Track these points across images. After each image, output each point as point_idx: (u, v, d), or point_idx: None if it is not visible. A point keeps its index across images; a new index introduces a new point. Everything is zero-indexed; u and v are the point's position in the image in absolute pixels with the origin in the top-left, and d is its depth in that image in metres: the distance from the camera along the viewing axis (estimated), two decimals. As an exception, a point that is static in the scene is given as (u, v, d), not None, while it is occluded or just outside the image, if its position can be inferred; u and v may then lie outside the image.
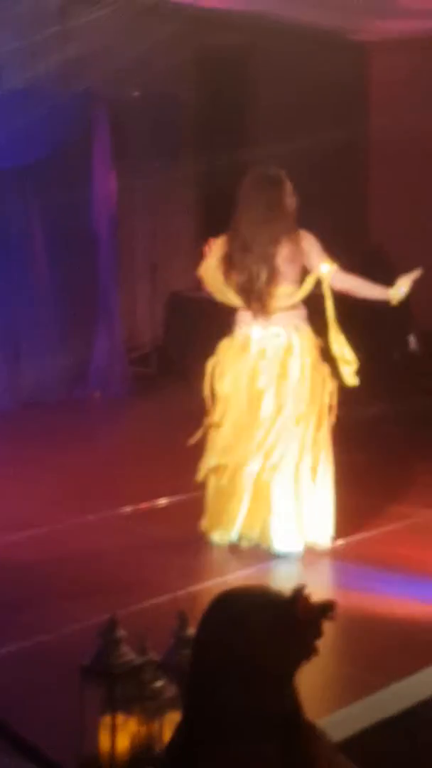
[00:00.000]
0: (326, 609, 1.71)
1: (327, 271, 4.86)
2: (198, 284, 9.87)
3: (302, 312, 4.91)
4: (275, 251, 4.74)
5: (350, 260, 10.81)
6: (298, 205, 5.02)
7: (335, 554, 4.81)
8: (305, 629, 1.69)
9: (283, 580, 4.40)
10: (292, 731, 1.69)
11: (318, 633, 1.70)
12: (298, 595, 1.70)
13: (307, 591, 1.71)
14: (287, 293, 4.81)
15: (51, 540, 5.03)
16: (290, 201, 4.87)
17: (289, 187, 4.90)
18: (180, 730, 1.78)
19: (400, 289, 4.99)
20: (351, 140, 10.48)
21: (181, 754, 1.73)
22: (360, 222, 10.74)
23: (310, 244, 4.88)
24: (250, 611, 1.70)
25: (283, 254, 4.77)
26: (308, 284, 4.81)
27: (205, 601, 1.80)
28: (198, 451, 5.85)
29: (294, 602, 1.69)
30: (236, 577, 4.42)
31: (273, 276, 4.73)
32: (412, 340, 10.21)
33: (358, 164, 10.68)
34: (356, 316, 9.99)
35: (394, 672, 3.54)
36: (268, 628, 1.68)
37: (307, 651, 1.70)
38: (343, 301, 10.25)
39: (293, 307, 4.85)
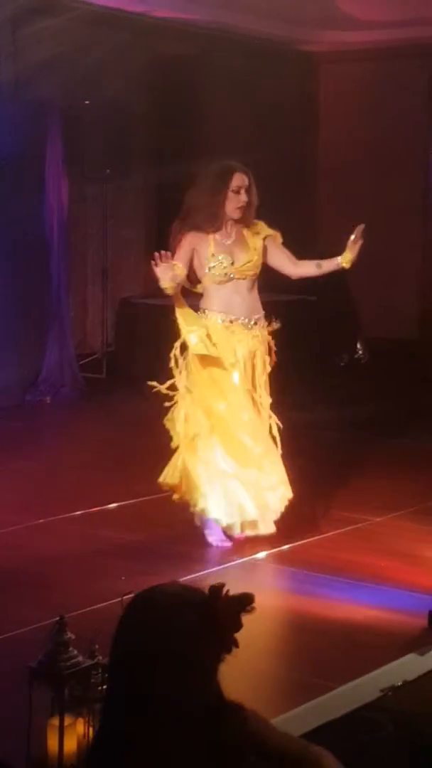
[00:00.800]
0: (244, 602, 1.73)
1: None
2: (148, 290, 9.94)
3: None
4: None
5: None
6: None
7: (280, 559, 4.89)
8: (225, 623, 1.71)
9: (230, 583, 4.48)
10: (217, 719, 1.73)
11: (238, 626, 1.73)
12: (218, 590, 1.73)
13: (225, 587, 1.74)
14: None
15: (3, 542, 5.07)
16: (225, 196, 5.00)
17: (234, 180, 5.04)
18: (103, 729, 1.79)
19: (347, 254, 5.34)
20: (301, 149, 10.61)
21: (107, 751, 1.74)
22: (309, 228, 10.86)
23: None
24: (175, 610, 1.72)
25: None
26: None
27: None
28: (148, 457, 5.94)
29: (214, 597, 1.72)
30: (186, 580, 4.48)
31: None
32: (360, 347, 10.35)
33: (307, 173, 10.81)
34: (305, 322, 10.16)
35: (337, 676, 3.61)
36: (190, 624, 1.70)
37: (228, 644, 1.73)
38: (296, 306, 10.38)
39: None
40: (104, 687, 2.85)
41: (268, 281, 10.90)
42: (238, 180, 5.00)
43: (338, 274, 11.26)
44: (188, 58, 9.57)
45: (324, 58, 10.55)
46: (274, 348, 5.27)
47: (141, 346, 9.09)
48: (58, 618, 2.91)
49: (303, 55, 10.44)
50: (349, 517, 5.47)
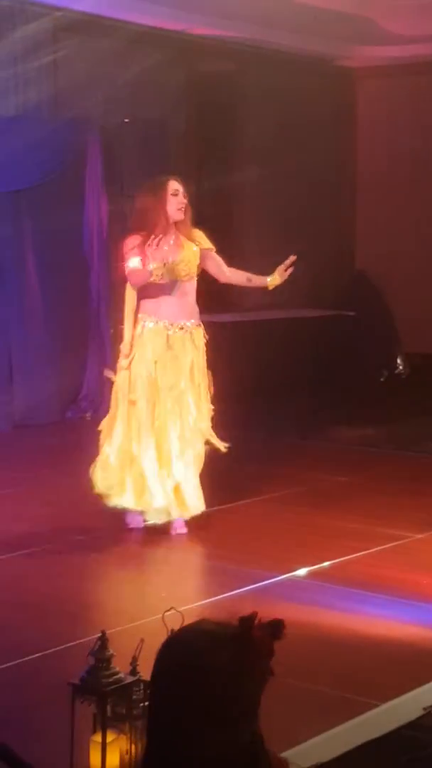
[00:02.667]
0: (276, 629, 1.69)
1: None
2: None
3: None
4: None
5: (337, 281, 11.00)
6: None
7: (321, 575, 4.87)
8: (260, 654, 1.67)
9: (270, 600, 4.47)
10: (257, 760, 1.68)
11: (271, 653, 1.68)
12: (251, 621, 1.68)
13: (258, 616, 1.69)
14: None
15: (43, 559, 5.09)
16: (165, 202, 5.32)
17: (170, 186, 5.34)
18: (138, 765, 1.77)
19: (275, 277, 5.69)
20: (339, 164, 10.61)
21: None
22: (347, 245, 10.85)
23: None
24: (210, 650, 1.67)
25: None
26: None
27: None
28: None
29: (248, 630, 1.67)
30: (226, 597, 4.48)
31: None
32: (400, 362, 10.31)
33: (345, 188, 10.80)
34: (344, 337, 10.14)
35: (379, 693, 3.58)
36: (233, 662, 1.65)
37: (265, 674, 1.68)
38: (334, 321, 10.34)
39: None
40: (146, 703, 2.85)
41: (305, 297, 10.94)
42: (174, 185, 5.36)
43: (378, 289, 11.22)
44: (227, 75, 9.62)
45: (362, 73, 10.55)
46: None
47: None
48: (99, 634, 2.92)
49: (341, 70, 10.46)
50: (391, 534, 5.43)
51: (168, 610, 2.74)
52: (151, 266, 5.23)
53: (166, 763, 1.67)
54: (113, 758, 2.85)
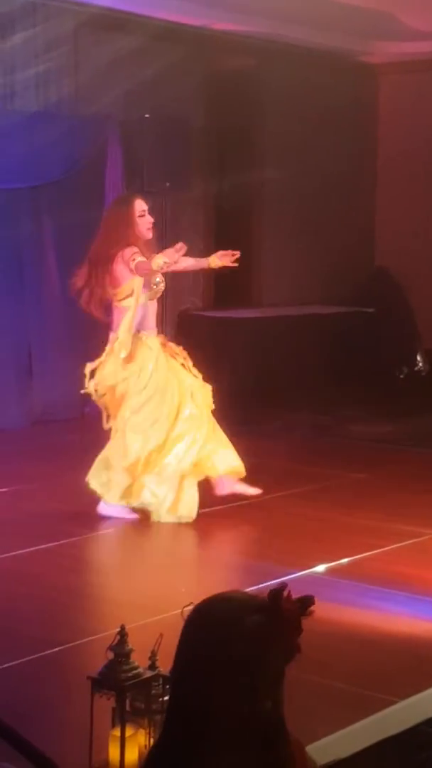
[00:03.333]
0: (306, 605, 1.69)
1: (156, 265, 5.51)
2: (207, 303, 9.99)
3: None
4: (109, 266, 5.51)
5: (356, 277, 10.97)
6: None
7: (340, 572, 4.87)
8: (288, 627, 1.67)
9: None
10: (276, 734, 1.68)
11: (299, 630, 1.69)
12: (280, 593, 1.68)
13: (287, 589, 1.70)
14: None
15: (62, 554, 5.12)
16: (134, 219, 5.54)
17: (137, 206, 5.55)
18: (163, 740, 1.74)
19: (217, 261, 5.84)
20: (359, 160, 10.58)
21: (165, 762, 1.70)
22: (366, 240, 10.83)
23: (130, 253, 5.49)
24: (239, 616, 1.68)
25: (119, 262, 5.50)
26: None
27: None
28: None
29: (277, 601, 1.68)
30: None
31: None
32: (420, 359, 10.28)
33: (366, 184, 10.77)
34: (363, 334, 10.12)
35: (397, 690, 3.58)
36: (257, 630, 1.66)
37: (292, 650, 1.69)
38: (353, 318, 10.33)
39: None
40: (165, 698, 2.87)
41: (324, 293, 10.93)
42: (141, 205, 5.57)
43: (397, 285, 11.13)
44: (247, 71, 9.61)
45: (383, 69, 10.52)
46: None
47: (199, 358, 9.12)
48: (118, 629, 2.93)
49: (362, 66, 10.42)
50: (409, 531, 5.43)
51: (187, 605, 2.75)
52: (157, 280, 5.58)
53: (186, 729, 1.67)
54: (132, 753, 2.87)
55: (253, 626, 1.67)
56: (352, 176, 10.51)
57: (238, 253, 5.77)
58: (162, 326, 9.29)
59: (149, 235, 5.57)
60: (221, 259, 5.79)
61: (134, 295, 5.52)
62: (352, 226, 10.55)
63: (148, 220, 5.55)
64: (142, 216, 5.53)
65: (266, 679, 1.67)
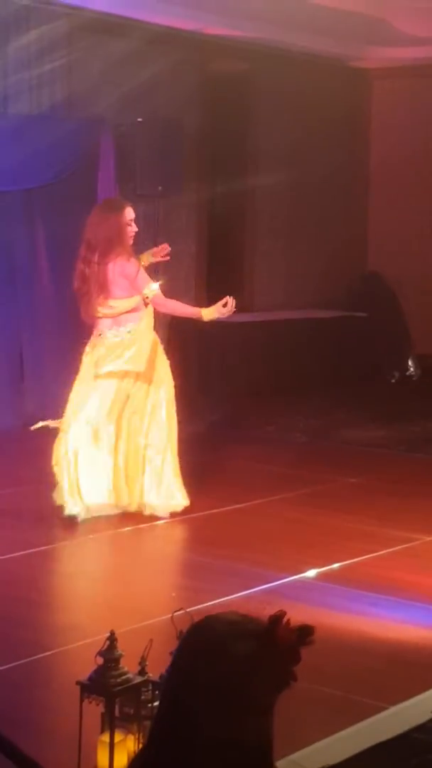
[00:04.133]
0: (305, 634, 1.65)
1: (149, 292, 5.65)
2: (199, 307, 9.95)
3: (138, 315, 5.70)
4: (105, 269, 5.56)
5: (350, 281, 10.98)
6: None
7: (331, 577, 4.86)
8: (285, 656, 1.63)
9: (280, 601, 4.46)
10: (262, 761, 1.65)
11: (297, 659, 1.64)
12: (278, 620, 1.65)
13: (286, 617, 1.66)
14: (112, 304, 5.64)
15: (52, 558, 5.10)
16: (126, 227, 5.60)
17: (127, 214, 5.61)
18: (147, 752, 1.71)
19: (213, 313, 5.75)
20: (351, 165, 10.60)
21: None
22: (359, 245, 10.84)
23: (135, 269, 5.60)
24: (232, 639, 1.64)
25: (113, 271, 5.57)
26: (130, 302, 5.64)
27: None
28: (206, 471, 5.94)
29: (274, 628, 1.64)
30: (235, 597, 4.48)
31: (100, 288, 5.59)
32: (411, 364, 10.29)
33: (358, 189, 10.79)
34: (355, 338, 10.13)
35: (388, 696, 3.58)
36: (250, 656, 1.62)
37: (287, 678, 1.64)
38: (345, 322, 10.34)
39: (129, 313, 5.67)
40: (155, 704, 2.85)
41: (316, 298, 10.94)
42: (131, 213, 5.65)
43: (389, 290, 11.17)
44: (240, 75, 9.62)
45: (376, 74, 10.54)
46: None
47: (191, 361, 9.11)
48: (108, 634, 2.92)
49: (355, 71, 10.44)
50: (401, 536, 5.42)
51: (177, 611, 2.74)
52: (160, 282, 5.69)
53: (169, 747, 1.65)
54: (121, 758, 2.85)
55: (243, 652, 1.63)
56: (345, 181, 10.53)
57: (232, 301, 5.74)
58: (156, 329, 9.31)
59: (131, 242, 5.66)
60: (220, 313, 5.78)
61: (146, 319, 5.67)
62: (344, 230, 10.57)
63: (133, 229, 5.64)
64: (129, 225, 5.61)
65: (254, 706, 1.64)
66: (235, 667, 1.62)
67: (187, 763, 1.62)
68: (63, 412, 5.88)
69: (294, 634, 1.64)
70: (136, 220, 5.75)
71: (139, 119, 8.30)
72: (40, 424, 5.81)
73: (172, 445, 5.66)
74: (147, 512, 5.61)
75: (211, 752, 1.62)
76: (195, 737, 1.62)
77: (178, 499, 5.62)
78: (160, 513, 5.58)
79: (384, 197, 10.67)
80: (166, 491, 5.61)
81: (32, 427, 5.80)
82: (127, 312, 5.64)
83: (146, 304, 5.67)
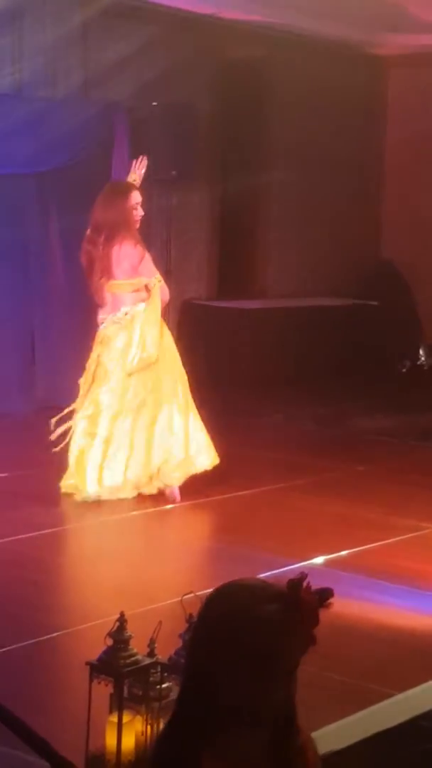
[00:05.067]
0: (325, 596, 1.70)
1: (156, 282, 5.83)
2: (211, 292, 9.96)
3: (137, 297, 5.80)
4: (110, 252, 5.65)
5: (362, 270, 10.94)
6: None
7: (339, 564, 4.87)
8: (306, 617, 1.67)
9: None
10: (287, 723, 1.69)
11: (317, 621, 1.69)
12: (300, 583, 1.68)
13: (306, 580, 1.70)
14: (117, 284, 5.75)
15: (63, 540, 5.12)
16: (131, 211, 5.69)
17: (133, 197, 5.68)
18: (173, 721, 1.74)
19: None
20: (367, 153, 10.56)
21: (175, 744, 1.70)
22: (373, 234, 10.81)
23: (139, 255, 5.76)
24: (256, 603, 1.67)
25: (118, 254, 5.67)
26: (132, 284, 5.77)
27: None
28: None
29: (296, 591, 1.68)
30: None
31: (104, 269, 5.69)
32: (422, 353, 10.27)
33: (373, 177, 10.76)
34: (366, 327, 10.10)
35: (395, 683, 3.59)
36: (276, 618, 1.66)
37: (308, 641, 1.68)
38: (356, 311, 10.31)
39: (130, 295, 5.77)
40: (163, 686, 2.87)
41: (329, 286, 10.90)
42: (137, 197, 5.72)
43: (402, 279, 11.12)
44: (256, 61, 9.58)
45: (393, 62, 10.48)
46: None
47: (201, 347, 9.11)
48: (118, 615, 2.93)
49: (372, 58, 10.39)
50: (409, 524, 5.43)
51: (187, 594, 2.76)
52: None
53: (198, 708, 1.67)
54: (129, 739, 2.87)
55: (271, 614, 1.66)
56: (360, 168, 10.49)
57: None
58: (166, 315, 9.31)
59: (137, 226, 5.74)
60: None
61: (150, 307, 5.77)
62: (358, 218, 10.54)
63: (140, 213, 5.70)
64: (135, 208, 5.67)
65: (280, 668, 1.67)
66: (263, 630, 1.65)
67: (217, 722, 1.65)
68: (75, 396, 5.91)
69: (315, 596, 1.68)
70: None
71: (154, 103, 8.28)
72: (59, 430, 5.83)
73: (194, 412, 5.78)
74: (162, 483, 5.63)
75: (242, 712, 1.64)
76: (223, 702, 1.65)
77: (205, 457, 5.71)
78: (174, 481, 5.62)
79: (399, 185, 10.63)
80: (196, 447, 5.70)
81: (54, 436, 5.80)
82: (129, 293, 5.73)
83: (148, 294, 5.73)
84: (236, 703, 1.66)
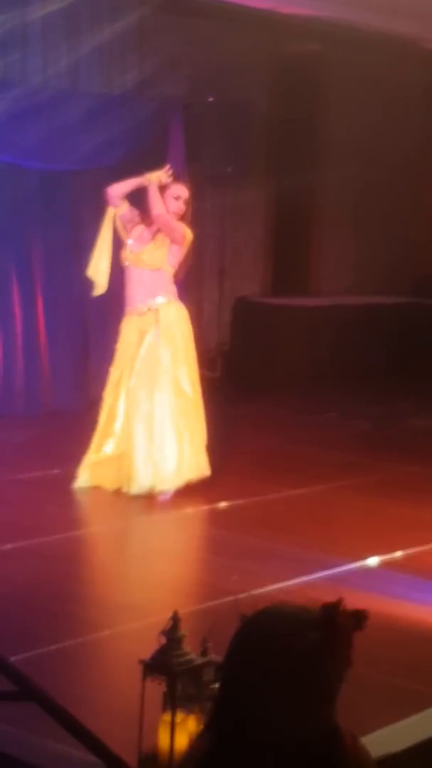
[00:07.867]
0: (360, 619, 1.65)
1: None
2: (265, 290, 9.91)
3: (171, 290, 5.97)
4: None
5: (417, 268, 10.77)
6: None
7: (393, 565, 4.82)
8: (342, 642, 1.63)
9: (341, 588, 4.42)
10: (334, 746, 1.64)
11: (350, 644, 1.64)
12: (334, 607, 1.64)
13: (342, 603, 1.65)
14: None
15: (115, 537, 5.12)
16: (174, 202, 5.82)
17: (174, 188, 5.83)
18: (204, 749, 1.69)
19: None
20: (426, 150, 10.45)
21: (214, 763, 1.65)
22: (429, 231, 10.69)
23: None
24: (293, 634, 1.63)
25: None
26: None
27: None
28: (263, 457, 5.90)
29: (334, 617, 1.63)
30: (296, 583, 4.46)
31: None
32: None
33: (428, 173, 10.63)
34: (422, 326, 9.98)
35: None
36: (315, 648, 1.62)
37: (345, 663, 1.64)
38: (412, 309, 10.17)
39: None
40: (216, 685, 2.85)
41: (384, 284, 10.78)
42: (178, 190, 5.85)
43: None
44: (312, 56, 9.52)
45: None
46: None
47: (256, 345, 9.09)
48: (171, 614, 2.91)
49: (429, 53, 10.26)
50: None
51: (242, 594, 2.73)
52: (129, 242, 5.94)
53: (233, 747, 1.63)
54: (182, 738, 2.85)
55: (307, 646, 1.62)
56: (418, 165, 10.38)
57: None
58: (219, 312, 9.30)
59: (174, 216, 5.78)
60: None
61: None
62: (417, 215, 10.43)
63: (179, 206, 5.78)
64: (177, 199, 5.78)
65: (321, 695, 1.63)
66: (303, 661, 1.61)
67: (257, 757, 1.61)
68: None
69: (351, 620, 1.64)
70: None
71: (210, 99, 8.26)
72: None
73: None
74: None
75: (282, 746, 1.60)
76: (263, 733, 1.61)
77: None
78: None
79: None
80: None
81: None
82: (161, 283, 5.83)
83: (176, 280, 5.88)
84: (279, 734, 1.61)
